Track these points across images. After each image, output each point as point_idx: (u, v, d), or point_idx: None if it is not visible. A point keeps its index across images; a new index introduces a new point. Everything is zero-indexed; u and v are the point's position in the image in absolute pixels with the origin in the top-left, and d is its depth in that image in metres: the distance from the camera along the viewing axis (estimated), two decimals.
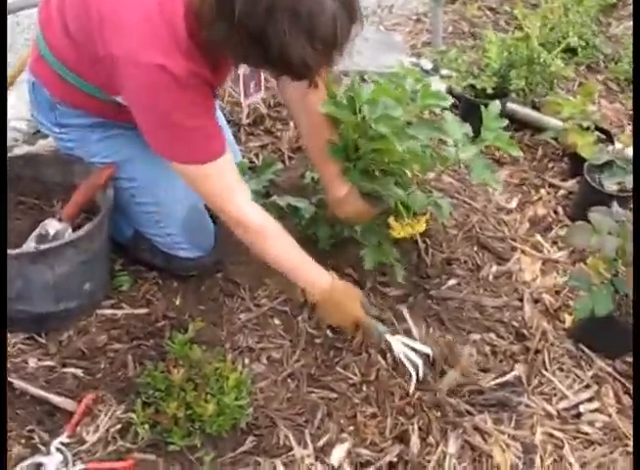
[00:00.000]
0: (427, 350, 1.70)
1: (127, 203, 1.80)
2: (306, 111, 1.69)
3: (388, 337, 1.68)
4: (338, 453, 1.57)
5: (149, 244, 1.88)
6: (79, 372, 1.65)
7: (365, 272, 1.96)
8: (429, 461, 1.56)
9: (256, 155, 2.34)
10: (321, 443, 1.59)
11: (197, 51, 1.33)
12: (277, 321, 1.85)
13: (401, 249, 1.99)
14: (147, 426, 1.53)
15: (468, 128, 1.85)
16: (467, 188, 2.40)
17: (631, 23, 3.50)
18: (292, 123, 2.44)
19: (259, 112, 2.43)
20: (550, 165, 2.59)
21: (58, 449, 1.49)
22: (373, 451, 1.58)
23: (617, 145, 2.36)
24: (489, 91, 2.50)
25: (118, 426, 1.56)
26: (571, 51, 3.04)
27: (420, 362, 1.66)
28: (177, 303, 1.85)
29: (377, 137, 1.63)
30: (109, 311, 1.79)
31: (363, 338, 1.76)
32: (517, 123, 2.70)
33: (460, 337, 1.85)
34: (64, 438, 1.51)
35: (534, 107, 2.77)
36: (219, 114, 2.05)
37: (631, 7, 3.59)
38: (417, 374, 1.65)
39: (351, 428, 1.63)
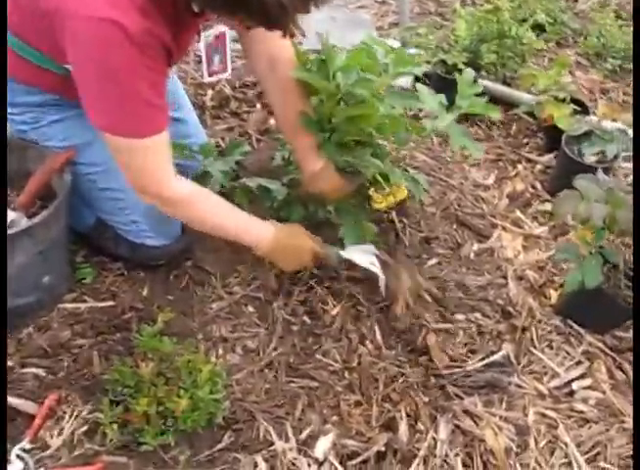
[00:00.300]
0: (373, 249, 1.72)
1: (88, 189, 1.67)
2: (277, 81, 1.59)
3: (344, 254, 1.68)
4: (322, 445, 1.47)
5: (112, 232, 1.75)
6: (41, 372, 1.53)
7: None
8: (419, 449, 1.48)
9: (222, 138, 2.23)
10: (304, 435, 1.50)
11: (154, 8, 1.21)
12: (251, 309, 1.75)
13: (378, 229, 1.90)
14: (115, 426, 1.41)
15: (442, 98, 1.78)
16: (442, 166, 2.33)
17: None
18: (258, 105, 2.33)
19: (224, 93, 2.31)
20: (525, 141, 2.54)
21: (18, 457, 1.37)
22: (359, 442, 1.48)
23: (593, 117, 2.31)
24: (460, 66, 2.43)
25: (85, 428, 1.45)
26: (538, 28, 3.00)
27: (374, 260, 1.69)
28: (144, 293, 1.73)
29: (352, 104, 1.54)
30: (71, 305, 1.67)
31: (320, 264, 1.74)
32: (489, 100, 2.62)
33: (444, 317, 1.78)
34: (25, 443, 1.39)
35: (505, 82, 2.72)
36: (183, 93, 1.94)
37: None
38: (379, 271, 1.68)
39: (335, 418, 1.54)
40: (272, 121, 2.31)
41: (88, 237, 1.80)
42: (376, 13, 3.45)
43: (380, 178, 1.77)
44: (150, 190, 1.44)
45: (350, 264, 1.73)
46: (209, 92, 2.30)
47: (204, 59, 1.45)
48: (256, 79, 1.64)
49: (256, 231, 1.59)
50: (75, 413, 1.47)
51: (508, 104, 2.64)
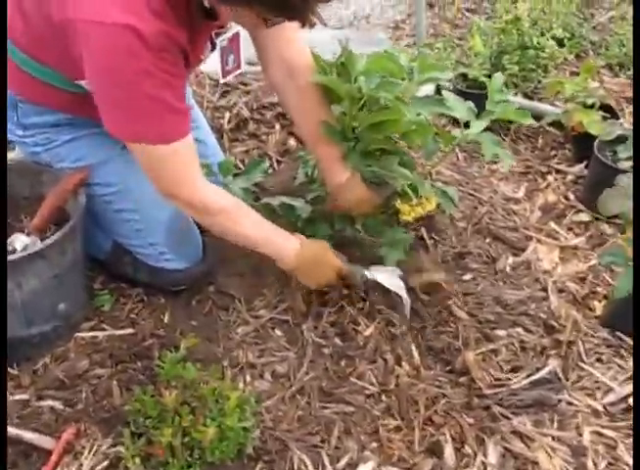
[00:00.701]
0: (398, 271, 1.67)
1: (104, 211, 1.61)
2: (296, 89, 1.53)
3: (368, 274, 1.63)
4: None
5: (130, 257, 1.68)
6: (58, 404, 1.44)
7: None
8: None
9: (242, 161, 2.17)
10: (342, 464, 1.38)
11: (168, 10, 1.17)
12: (279, 332, 1.65)
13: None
14: (138, 460, 1.31)
15: (470, 105, 1.71)
16: (469, 181, 2.25)
17: (614, 12, 3.43)
18: (277, 126, 2.28)
19: (242, 115, 2.26)
20: (553, 153, 2.45)
21: None
22: (402, 468, 1.37)
23: (623, 122, 2.22)
24: (482, 79, 2.36)
25: (105, 463, 1.35)
26: (557, 42, 2.94)
27: (400, 283, 1.64)
28: (166, 320, 1.64)
29: (376, 109, 1.47)
30: (89, 334, 1.59)
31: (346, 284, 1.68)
32: None
33: (484, 334, 1.67)
34: None
35: (527, 96, 2.65)
36: (200, 114, 1.90)
37: None
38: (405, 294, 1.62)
39: (374, 444, 1.42)
40: (292, 142, 2.25)
41: (105, 263, 1.73)
42: (390, 37, 3.43)
43: (408, 190, 1.69)
44: (182, 195, 1.40)
45: (376, 284, 1.66)
46: (227, 115, 2.25)
47: (218, 61, 1.41)
48: (273, 88, 1.58)
49: (282, 244, 1.53)
50: (95, 448, 1.37)
51: (532, 117, 2.56)
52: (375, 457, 1.39)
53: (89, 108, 1.31)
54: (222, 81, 1.44)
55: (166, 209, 1.61)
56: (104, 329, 1.61)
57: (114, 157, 1.55)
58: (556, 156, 2.42)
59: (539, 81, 2.56)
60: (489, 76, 2.38)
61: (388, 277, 1.65)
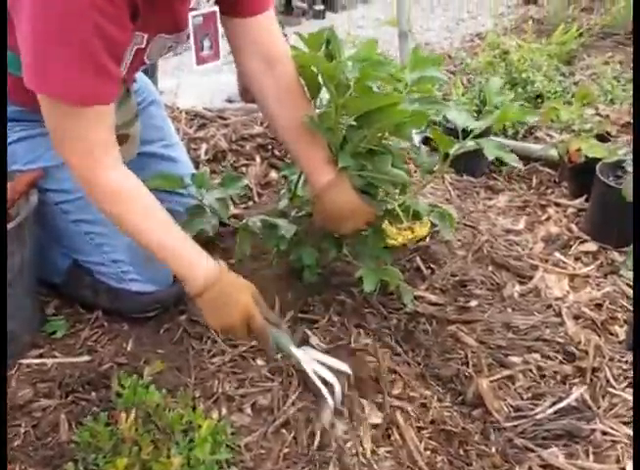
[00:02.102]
0: (345, 368, 1.30)
1: (60, 222, 1.42)
2: (276, 81, 1.38)
3: (295, 350, 1.26)
4: None
5: (90, 279, 1.47)
6: None
7: (362, 300, 1.58)
8: None
9: None
10: None
11: None
12: (260, 362, 1.42)
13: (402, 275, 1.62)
14: None
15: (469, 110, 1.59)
16: (465, 215, 2.09)
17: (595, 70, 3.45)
18: (257, 158, 2.14)
19: (220, 147, 2.12)
20: (549, 191, 2.33)
21: None
22: None
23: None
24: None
25: None
26: (539, 98, 2.90)
27: (337, 383, 1.25)
28: (128, 348, 1.41)
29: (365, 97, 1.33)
30: (36, 361, 1.34)
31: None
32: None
33: (497, 360, 1.45)
34: None
35: (517, 139, 2.57)
36: (173, 131, 1.75)
37: (587, 60, 3.56)
38: (333, 399, 1.25)
39: None
40: (274, 175, 2.10)
41: (61, 286, 1.51)
42: None
43: (398, 209, 1.52)
44: (83, 169, 1.18)
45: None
46: (204, 146, 2.11)
47: (192, 42, 1.27)
48: (248, 82, 1.43)
49: (195, 261, 1.24)
50: None
51: (524, 158, 2.46)
52: None
53: None
54: (196, 67, 1.29)
55: None
56: (54, 356, 1.36)
57: None
58: (553, 192, 2.30)
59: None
60: (479, 112, 2.33)
61: (319, 368, 1.27)
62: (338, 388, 1.25)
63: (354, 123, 1.41)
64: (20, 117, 1.34)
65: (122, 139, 1.44)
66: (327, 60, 1.34)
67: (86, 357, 1.36)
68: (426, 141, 2.36)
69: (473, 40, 3.99)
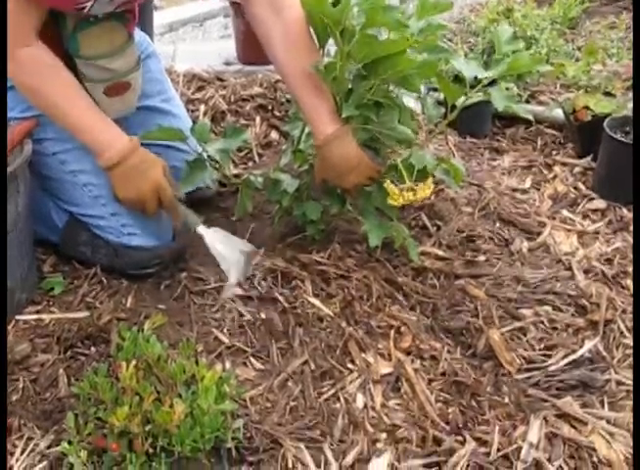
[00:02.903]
0: (251, 247, 1.39)
1: (56, 173, 1.37)
2: (283, 26, 1.33)
3: (201, 228, 1.36)
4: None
5: (88, 234, 1.42)
6: None
7: (368, 257, 1.54)
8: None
9: None
10: (349, 459, 1.09)
11: None
12: (264, 315, 1.38)
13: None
14: (85, 455, 1.00)
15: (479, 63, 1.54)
16: (470, 174, 2.04)
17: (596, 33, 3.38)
18: (257, 119, 2.08)
19: (219, 108, 2.07)
20: (555, 152, 2.28)
21: None
22: (426, 458, 1.08)
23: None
24: None
25: (42, 464, 1.04)
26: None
27: (240, 260, 1.34)
28: (128, 304, 1.36)
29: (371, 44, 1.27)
30: (33, 317, 1.30)
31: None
32: (506, 120, 2.41)
33: (508, 312, 1.41)
34: None
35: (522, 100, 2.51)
36: (170, 85, 1.70)
37: (591, 26, 3.49)
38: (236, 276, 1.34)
39: (384, 435, 1.13)
40: (274, 135, 2.05)
41: (58, 244, 1.47)
42: None
43: (402, 167, 1.47)
44: (10, 45, 1.20)
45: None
46: (202, 107, 2.05)
47: None
48: (255, 26, 1.38)
49: (110, 133, 1.30)
50: (30, 447, 1.07)
51: (528, 121, 2.41)
52: (391, 450, 1.10)
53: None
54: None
55: None
56: (52, 312, 1.32)
57: None
58: (559, 153, 2.25)
59: (538, 84, 2.42)
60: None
61: (224, 245, 1.37)
62: (242, 264, 1.31)
63: (361, 73, 1.36)
64: None
65: (123, 87, 1.39)
66: (332, 5, 1.28)
67: (85, 313, 1.32)
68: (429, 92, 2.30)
69: (474, 8, 3.93)
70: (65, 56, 1.30)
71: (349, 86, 1.40)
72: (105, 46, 1.33)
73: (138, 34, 1.59)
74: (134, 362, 1.08)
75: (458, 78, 1.69)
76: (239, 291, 1.42)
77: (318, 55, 1.37)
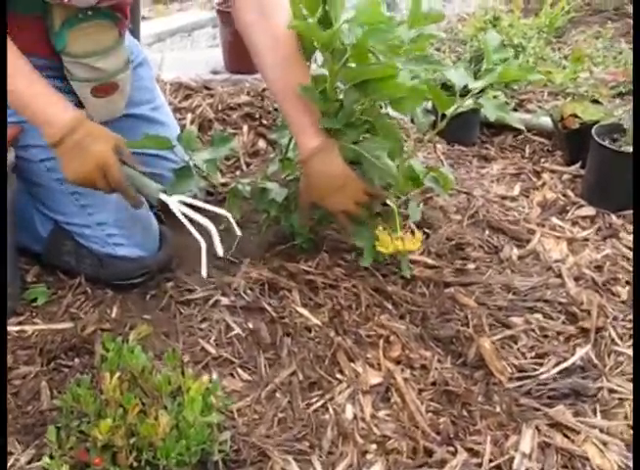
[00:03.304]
0: (222, 211, 1.27)
1: (43, 180, 1.35)
2: (269, 30, 1.32)
3: (164, 196, 1.25)
4: None
5: (72, 244, 1.40)
6: None
7: (356, 266, 1.52)
8: None
9: None
10: None
11: None
12: (251, 325, 1.36)
13: None
14: (66, 468, 0.97)
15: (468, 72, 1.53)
16: (458, 182, 2.04)
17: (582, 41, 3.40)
18: (245, 127, 2.07)
19: (206, 116, 2.05)
20: (543, 159, 2.28)
21: None
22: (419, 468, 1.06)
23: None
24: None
25: None
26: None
27: (211, 225, 1.23)
28: (113, 314, 1.34)
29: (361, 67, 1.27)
30: (15, 328, 1.27)
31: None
32: (494, 128, 2.41)
33: (498, 321, 1.40)
34: None
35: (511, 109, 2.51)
36: (159, 93, 1.69)
37: (577, 36, 3.51)
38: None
39: (374, 446, 1.11)
40: (262, 144, 2.04)
41: (42, 254, 1.44)
42: None
43: (395, 209, 1.46)
44: None
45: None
46: (189, 116, 2.04)
47: None
48: (241, 32, 1.37)
49: (56, 105, 1.21)
50: (11, 463, 1.04)
51: (516, 129, 2.41)
52: (382, 460, 1.08)
53: (33, 42, 1.11)
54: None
55: None
56: (35, 323, 1.29)
57: None
58: (547, 161, 2.25)
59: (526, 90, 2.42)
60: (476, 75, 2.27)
61: (191, 212, 1.25)
62: (213, 229, 1.22)
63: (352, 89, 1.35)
64: None
65: (111, 88, 1.37)
66: (323, 25, 1.27)
67: (69, 324, 1.29)
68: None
69: (462, 18, 3.94)
70: (54, 53, 1.28)
71: (340, 99, 1.39)
72: (92, 44, 1.31)
73: (130, 40, 1.58)
74: (118, 374, 1.06)
75: (446, 86, 1.69)
76: (226, 301, 1.40)
77: (306, 68, 1.35)
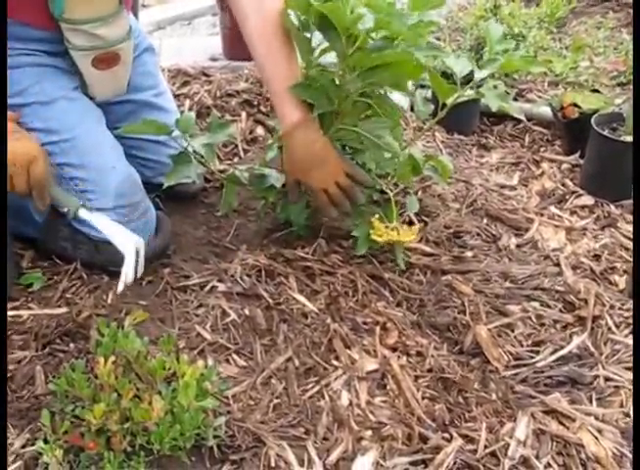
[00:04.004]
0: (126, 248, 1.29)
1: None
2: (261, 17, 1.31)
3: (83, 211, 1.29)
4: (362, 468, 1.05)
5: (69, 229, 1.39)
6: None
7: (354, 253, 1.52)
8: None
9: None
10: (333, 457, 1.07)
11: None
12: (248, 312, 1.35)
13: None
14: (60, 454, 0.97)
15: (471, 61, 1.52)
16: (457, 171, 2.03)
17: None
18: (243, 114, 2.05)
19: (204, 103, 2.04)
20: (542, 149, 2.27)
21: None
22: (412, 456, 1.06)
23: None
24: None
25: (17, 464, 1.01)
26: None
27: (129, 251, 1.27)
28: (109, 300, 1.33)
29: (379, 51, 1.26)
30: (10, 313, 1.27)
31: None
32: (494, 117, 2.40)
33: (495, 308, 1.40)
34: None
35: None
36: (162, 78, 1.68)
37: (578, 26, 3.49)
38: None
39: (369, 432, 1.11)
40: (260, 131, 2.03)
41: (38, 239, 1.43)
42: None
43: (393, 204, 1.46)
44: None
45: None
46: (187, 102, 2.03)
47: None
48: (237, 17, 1.35)
49: None
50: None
51: (516, 119, 2.40)
52: (377, 447, 1.08)
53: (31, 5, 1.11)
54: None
55: (118, 168, 1.37)
56: (30, 308, 1.29)
57: (61, 98, 1.31)
58: (546, 150, 2.24)
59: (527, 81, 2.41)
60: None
61: (115, 230, 1.29)
62: (129, 253, 1.27)
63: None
64: (18, 36, 1.25)
65: (113, 59, 1.36)
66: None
67: (64, 309, 1.28)
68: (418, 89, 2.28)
69: (462, 6, 3.92)
70: (53, 23, 1.27)
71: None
72: (91, 11, 1.28)
73: (136, 24, 1.57)
74: (113, 359, 1.05)
75: (445, 75, 1.68)
76: (222, 287, 1.40)
77: (293, 47, 1.34)
